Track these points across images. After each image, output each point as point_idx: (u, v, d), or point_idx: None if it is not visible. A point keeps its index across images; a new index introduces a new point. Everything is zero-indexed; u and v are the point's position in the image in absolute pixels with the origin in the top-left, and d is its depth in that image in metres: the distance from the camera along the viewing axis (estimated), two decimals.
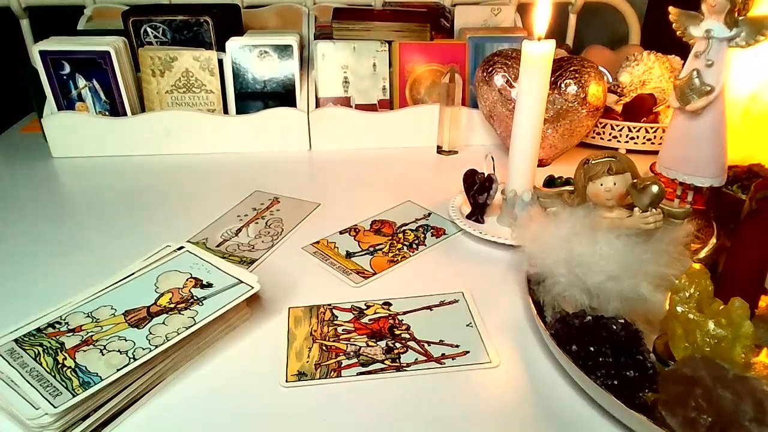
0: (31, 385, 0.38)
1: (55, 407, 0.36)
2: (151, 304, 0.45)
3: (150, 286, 0.47)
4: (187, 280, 0.48)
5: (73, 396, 0.37)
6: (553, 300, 0.47)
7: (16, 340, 0.42)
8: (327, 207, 0.67)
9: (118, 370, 0.39)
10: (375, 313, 0.50)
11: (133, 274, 0.48)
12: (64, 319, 0.44)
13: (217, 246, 0.59)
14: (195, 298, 0.46)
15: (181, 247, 0.52)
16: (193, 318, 0.43)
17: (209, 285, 0.47)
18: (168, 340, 0.41)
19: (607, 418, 0.39)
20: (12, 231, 0.62)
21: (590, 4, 1.08)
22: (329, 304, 0.51)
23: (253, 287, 0.46)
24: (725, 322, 0.39)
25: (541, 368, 0.44)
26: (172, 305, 0.45)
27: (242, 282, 0.47)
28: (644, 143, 0.79)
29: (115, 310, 0.45)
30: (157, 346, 0.41)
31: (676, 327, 0.41)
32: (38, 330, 0.43)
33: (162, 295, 0.46)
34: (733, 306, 0.39)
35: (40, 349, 0.41)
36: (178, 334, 0.42)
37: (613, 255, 0.44)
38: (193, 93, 0.80)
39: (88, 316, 0.44)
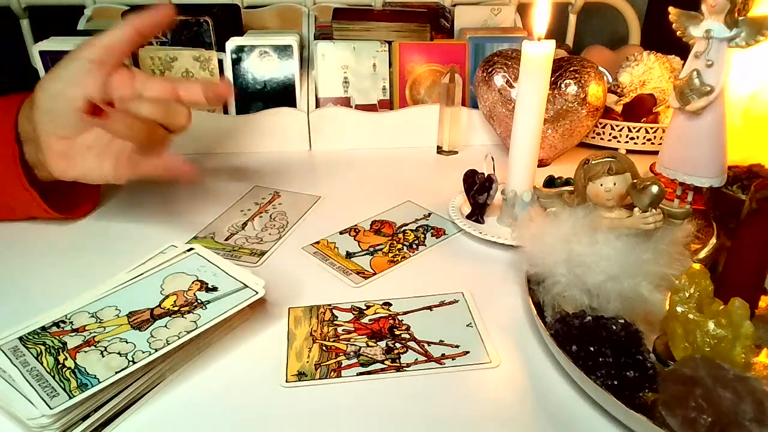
0: (30, 384, 0.38)
1: (51, 408, 0.36)
2: (155, 307, 0.45)
3: (156, 288, 0.47)
4: (192, 282, 0.48)
5: (70, 398, 0.37)
6: (553, 300, 0.47)
7: (20, 338, 0.42)
8: (327, 207, 0.67)
9: (116, 372, 0.39)
10: (375, 313, 0.50)
11: (141, 275, 0.48)
12: (69, 319, 0.44)
13: (226, 240, 0.60)
14: (199, 301, 0.46)
15: (191, 249, 0.52)
16: (195, 322, 0.43)
17: (214, 288, 0.47)
18: (168, 344, 0.41)
19: (607, 418, 0.39)
20: (13, 231, 0.62)
21: (590, 4, 1.08)
22: (329, 305, 0.51)
23: (257, 292, 0.46)
24: (725, 322, 0.39)
25: (541, 368, 0.44)
26: (176, 308, 0.45)
27: (247, 287, 0.47)
28: (644, 143, 0.79)
29: (120, 311, 0.45)
30: (157, 350, 0.41)
31: (676, 327, 0.41)
32: (43, 328, 0.43)
33: (167, 297, 0.46)
34: (733, 306, 0.39)
35: (43, 348, 0.41)
36: (179, 338, 0.42)
37: (613, 255, 0.44)
38: None
39: (93, 317, 0.44)
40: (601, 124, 0.79)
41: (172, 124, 0.52)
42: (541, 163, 0.76)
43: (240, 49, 0.79)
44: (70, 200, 0.62)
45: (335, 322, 0.48)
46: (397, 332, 0.47)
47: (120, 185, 0.57)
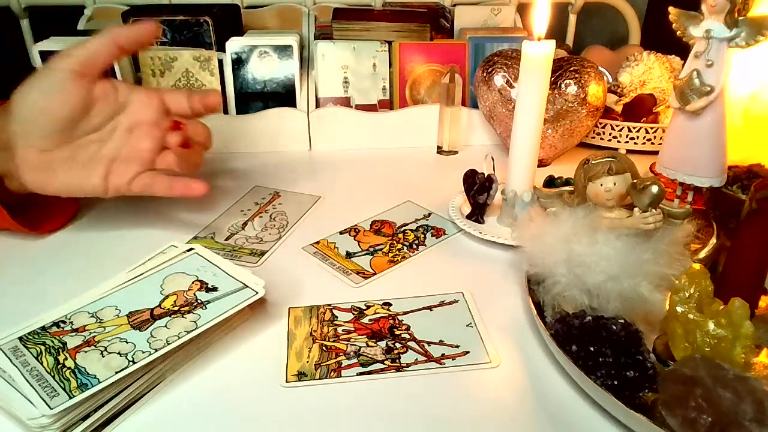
0: (30, 384, 0.38)
1: (51, 408, 0.36)
2: (155, 307, 0.45)
3: (156, 288, 0.47)
4: (192, 282, 0.48)
5: (70, 398, 0.37)
6: (553, 300, 0.47)
7: (20, 338, 0.42)
8: (327, 207, 0.67)
9: (116, 372, 0.39)
10: (375, 313, 0.50)
11: (141, 275, 0.48)
12: (69, 319, 0.44)
13: (226, 240, 0.60)
14: (199, 301, 0.46)
15: (191, 249, 0.52)
16: (195, 322, 0.43)
17: (214, 288, 0.47)
18: (168, 344, 0.41)
19: (607, 418, 0.39)
20: (14, 232, 0.62)
21: (590, 4, 1.08)
22: (329, 305, 0.51)
23: (257, 293, 0.46)
24: (725, 322, 0.39)
25: (541, 368, 0.44)
26: (176, 308, 0.45)
27: (247, 287, 0.47)
28: (644, 143, 0.79)
29: (120, 311, 0.45)
30: (157, 350, 0.41)
31: (676, 327, 0.41)
32: (43, 328, 0.43)
33: (167, 297, 0.46)
34: (733, 306, 0.39)
35: (43, 347, 0.41)
36: (179, 338, 0.42)
37: (613, 255, 0.44)
38: None
39: (93, 317, 0.44)
40: (601, 124, 0.79)
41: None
42: (541, 163, 0.76)
43: (240, 49, 0.79)
44: (42, 212, 0.58)
45: (335, 322, 0.48)
46: (397, 332, 0.47)
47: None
